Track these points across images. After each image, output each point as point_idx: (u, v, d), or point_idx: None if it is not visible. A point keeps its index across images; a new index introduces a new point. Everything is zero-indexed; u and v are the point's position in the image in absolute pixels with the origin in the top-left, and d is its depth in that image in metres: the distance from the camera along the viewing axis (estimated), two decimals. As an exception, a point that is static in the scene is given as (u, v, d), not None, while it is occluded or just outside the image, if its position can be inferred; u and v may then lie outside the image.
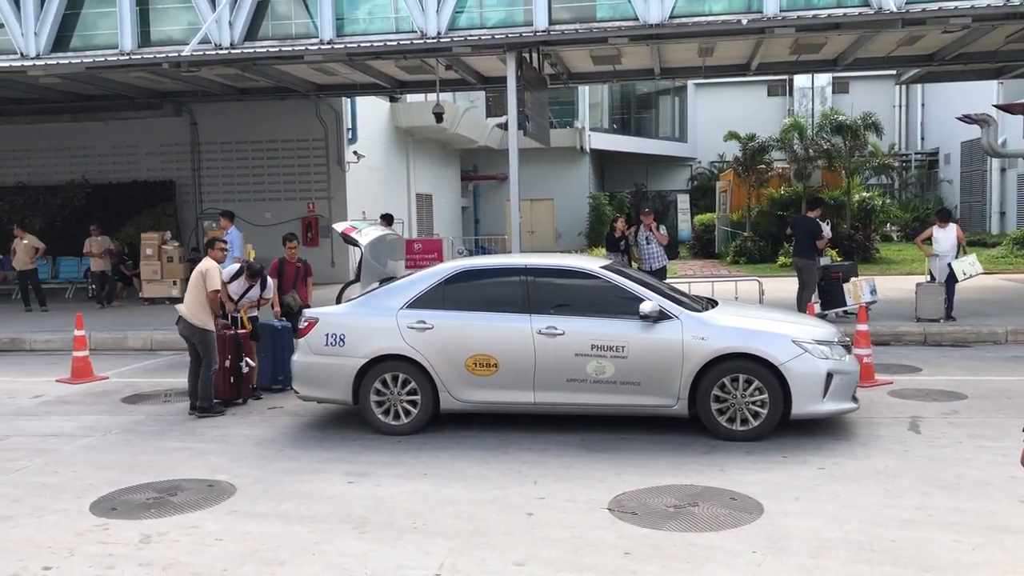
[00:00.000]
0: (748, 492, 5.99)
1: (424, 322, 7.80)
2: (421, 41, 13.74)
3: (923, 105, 38.27)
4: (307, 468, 6.92)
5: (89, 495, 6.35)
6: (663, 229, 13.40)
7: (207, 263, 9.15)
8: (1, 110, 21.06)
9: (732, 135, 26.83)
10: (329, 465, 6.98)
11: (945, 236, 13.15)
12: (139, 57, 14.46)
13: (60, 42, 14.64)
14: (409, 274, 8.81)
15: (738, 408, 7.28)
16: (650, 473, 6.50)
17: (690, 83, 38.41)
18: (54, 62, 14.52)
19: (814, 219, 13.25)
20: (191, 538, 5.44)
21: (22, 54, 14.54)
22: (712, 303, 8.35)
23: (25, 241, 17.49)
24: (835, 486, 6.11)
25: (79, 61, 14.47)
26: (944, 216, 13.59)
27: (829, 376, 7.26)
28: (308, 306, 10.16)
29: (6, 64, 14.68)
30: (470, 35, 13.66)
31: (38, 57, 14.50)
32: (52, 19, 14.40)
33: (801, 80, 39.07)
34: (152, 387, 10.59)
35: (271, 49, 14.18)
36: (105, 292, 18.02)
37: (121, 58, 14.46)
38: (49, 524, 5.77)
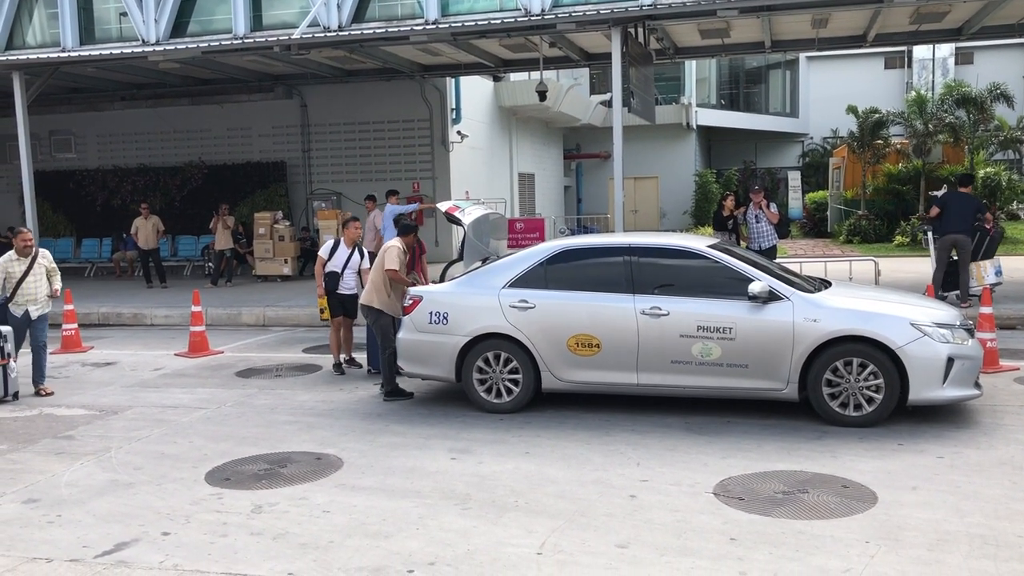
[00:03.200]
0: (861, 480, 5.76)
1: (526, 301, 7.78)
2: (525, 19, 13.65)
3: (1057, 75, 35.94)
4: (411, 444, 7.02)
5: (204, 465, 6.61)
6: (773, 207, 12.97)
7: (386, 244, 9.12)
8: (124, 95, 22.08)
9: (851, 109, 25.84)
10: (433, 441, 7.06)
11: None
12: (251, 41, 14.86)
13: (178, 28, 15.17)
14: (511, 253, 8.81)
15: (851, 393, 7.01)
16: (757, 458, 6.33)
17: (802, 56, 37.14)
18: (172, 47, 15.06)
19: (971, 195, 12.57)
20: (300, 509, 5.59)
21: (143, 40, 15.14)
22: (825, 284, 8.05)
23: (151, 221, 18.33)
24: (955, 476, 5.82)
25: (195, 46, 14.97)
26: None
27: (950, 361, 6.91)
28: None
29: (129, 50, 15.32)
30: (574, 11, 13.49)
31: (158, 43, 15.06)
32: (171, 6, 14.93)
33: (921, 51, 37.28)
34: (264, 362, 10.93)
35: (377, 30, 14.33)
36: (222, 271, 18.68)
37: (235, 42, 14.89)
38: (167, 492, 6.03)
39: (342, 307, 10.08)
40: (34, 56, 15.72)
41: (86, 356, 11.73)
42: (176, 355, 11.49)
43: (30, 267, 9.22)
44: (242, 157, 22.85)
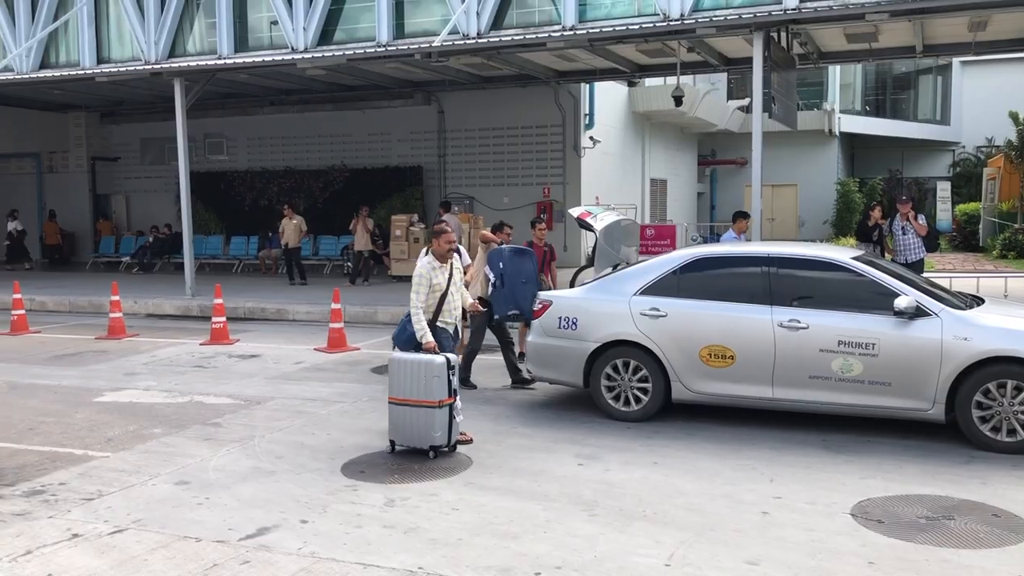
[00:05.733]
0: (1015, 510, 5.43)
1: (657, 309, 7.70)
2: (664, 24, 13.51)
3: None
4: (539, 447, 7.07)
5: (341, 457, 6.84)
6: (921, 219, 12.40)
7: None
8: (273, 100, 23.17)
9: (1012, 115, 24.39)
10: (560, 445, 7.08)
11: None
12: (394, 48, 15.31)
13: (325, 36, 15.80)
14: (643, 260, 8.73)
15: (1004, 417, 6.61)
16: (899, 480, 6.05)
17: (956, 61, 35.22)
18: (319, 54, 15.70)
19: None
20: (430, 505, 5.71)
21: (292, 48, 15.84)
22: (977, 300, 7.63)
23: (295, 221, 19.16)
24: (1123, 512, 5.40)
25: (341, 53, 15.56)
26: None
27: (1119, 388, 6.43)
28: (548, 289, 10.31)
29: (279, 57, 16.07)
30: (715, 16, 13.25)
31: (306, 50, 15.73)
32: (319, 15, 15.56)
33: (1091, 54, 34.74)
34: (397, 360, 11.19)
35: (515, 37, 14.50)
36: (360, 270, 19.31)
37: (378, 49, 15.38)
38: (306, 481, 6.28)
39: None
40: (194, 63, 16.69)
41: (232, 348, 12.34)
42: (315, 350, 11.93)
43: (451, 274, 7.30)
44: (381, 161, 23.56)
